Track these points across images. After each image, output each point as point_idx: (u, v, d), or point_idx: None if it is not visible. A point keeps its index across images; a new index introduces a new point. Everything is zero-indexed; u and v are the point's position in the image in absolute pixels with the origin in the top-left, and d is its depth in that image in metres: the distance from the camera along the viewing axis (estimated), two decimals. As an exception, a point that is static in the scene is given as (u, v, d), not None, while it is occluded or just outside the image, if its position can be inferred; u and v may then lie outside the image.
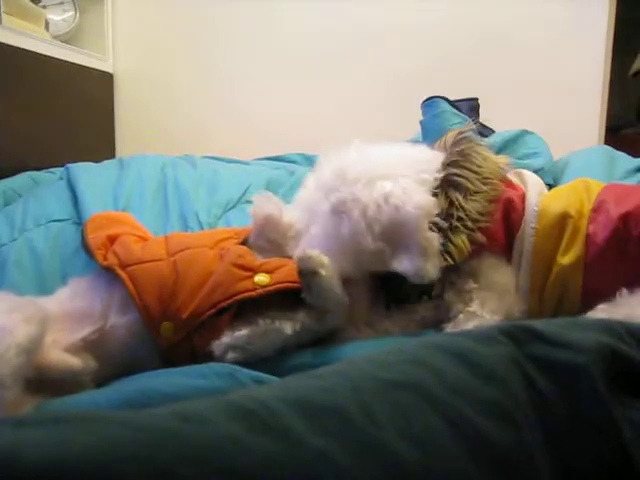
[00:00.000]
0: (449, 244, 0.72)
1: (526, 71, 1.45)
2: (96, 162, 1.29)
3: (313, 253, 0.68)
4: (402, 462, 0.28)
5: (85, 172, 1.19)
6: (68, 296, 0.75)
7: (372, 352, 0.39)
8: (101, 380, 0.68)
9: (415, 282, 0.70)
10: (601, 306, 0.67)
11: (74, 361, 0.67)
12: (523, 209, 0.76)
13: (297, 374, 0.38)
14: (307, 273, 0.67)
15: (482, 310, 0.72)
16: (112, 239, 0.79)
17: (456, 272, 0.75)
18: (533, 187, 0.78)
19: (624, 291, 0.67)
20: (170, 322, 0.69)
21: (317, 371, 0.37)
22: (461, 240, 0.72)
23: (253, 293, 0.70)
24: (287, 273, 0.73)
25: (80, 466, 0.25)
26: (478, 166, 0.76)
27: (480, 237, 0.72)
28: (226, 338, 0.66)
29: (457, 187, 0.75)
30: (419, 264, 0.69)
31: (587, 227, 0.72)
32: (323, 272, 0.67)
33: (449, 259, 0.72)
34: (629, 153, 1.18)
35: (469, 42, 1.47)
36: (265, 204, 0.82)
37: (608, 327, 0.44)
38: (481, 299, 0.72)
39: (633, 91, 2.02)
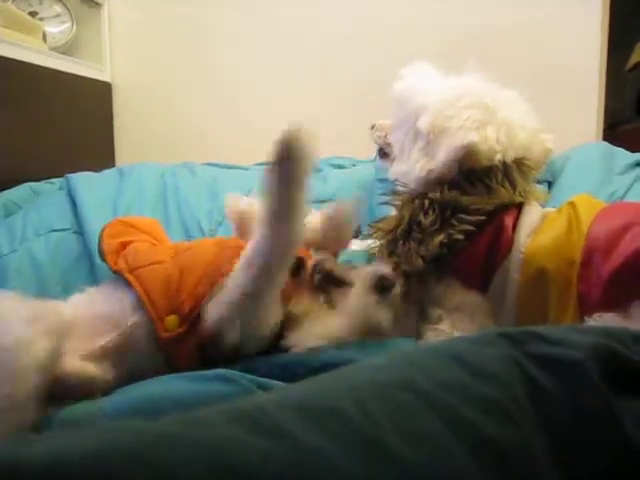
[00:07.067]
0: (428, 244, 0.72)
1: (521, 69, 1.45)
2: (96, 172, 1.29)
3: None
4: (398, 458, 0.29)
5: (85, 182, 1.20)
6: (84, 302, 0.75)
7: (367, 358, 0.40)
8: (114, 386, 0.68)
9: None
10: (609, 314, 0.64)
11: (92, 369, 0.66)
12: (509, 246, 0.73)
13: (297, 383, 0.38)
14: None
15: (452, 329, 0.70)
16: (125, 245, 0.81)
17: (423, 302, 0.75)
18: (524, 227, 0.75)
19: (636, 302, 0.63)
20: (175, 315, 0.70)
21: (315, 377, 0.37)
22: (438, 240, 0.71)
23: None
24: None
25: (79, 467, 0.25)
26: (490, 180, 0.75)
27: (459, 236, 0.72)
28: None
29: (462, 190, 0.75)
30: None
31: (577, 285, 0.68)
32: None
33: (421, 260, 0.72)
34: (627, 149, 1.18)
35: (464, 40, 1.47)
36: (237, 202, 0.86)
37: (608, 332, 0.44)
38: (451, 320, 0.71)
39: (630, 86, 2.01)
